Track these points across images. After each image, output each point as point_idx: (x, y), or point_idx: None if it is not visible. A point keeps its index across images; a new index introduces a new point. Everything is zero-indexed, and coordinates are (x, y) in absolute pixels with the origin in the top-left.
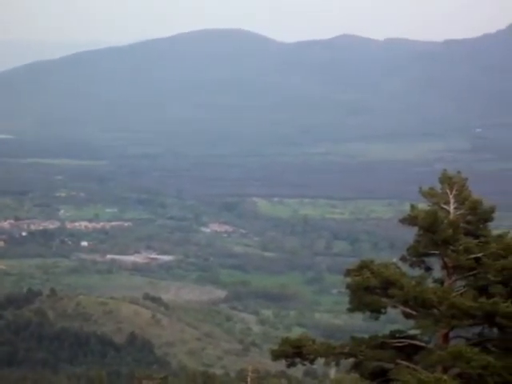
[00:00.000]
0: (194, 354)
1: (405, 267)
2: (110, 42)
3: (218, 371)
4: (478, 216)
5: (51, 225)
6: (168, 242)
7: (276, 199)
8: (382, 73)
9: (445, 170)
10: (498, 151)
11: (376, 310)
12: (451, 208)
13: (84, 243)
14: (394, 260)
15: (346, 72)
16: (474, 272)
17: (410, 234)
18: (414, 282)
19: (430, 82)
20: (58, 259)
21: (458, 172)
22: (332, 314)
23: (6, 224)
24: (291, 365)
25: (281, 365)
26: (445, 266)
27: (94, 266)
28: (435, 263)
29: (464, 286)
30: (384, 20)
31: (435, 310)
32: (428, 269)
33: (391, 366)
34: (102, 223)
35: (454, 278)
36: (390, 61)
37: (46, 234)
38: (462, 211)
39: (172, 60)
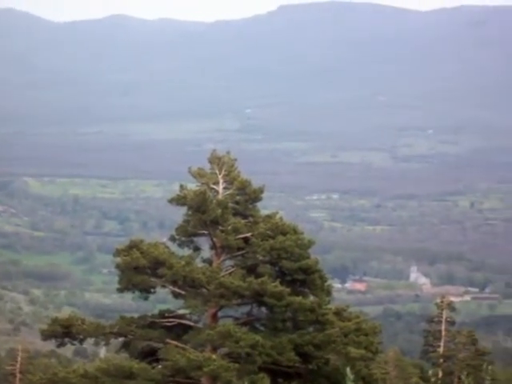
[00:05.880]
0: None
1: (174, 247)
2: None
3: None
4: (247, 196)
5: None
6: None
7: (47, 179)
8: (153, 53)
9: (214, 150)
10: (266, 131)
11: (145, 290)
12: (220, 188)
13: None
14: (164, 240)
15: (118, 52)
16: (243, 252)
17: (179, 214)
18: (183, 262)
19: (200, 63)
20: None
21: (228, 152)
22: (102, 294)
23: None
24: (61, 344)
25: (51, 344)
26: (214, 246)
27: None
28: (204, 243)
29: (233, 266)
30: (157, 0)
31: (204, 290)
32: (197, 249)
33: (161, 345)
34: None
35: (222, 258)
36: (161, 41)
37: None
38: (230, 191)
39: None
